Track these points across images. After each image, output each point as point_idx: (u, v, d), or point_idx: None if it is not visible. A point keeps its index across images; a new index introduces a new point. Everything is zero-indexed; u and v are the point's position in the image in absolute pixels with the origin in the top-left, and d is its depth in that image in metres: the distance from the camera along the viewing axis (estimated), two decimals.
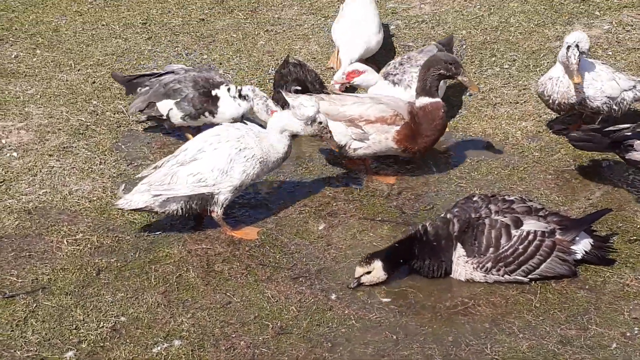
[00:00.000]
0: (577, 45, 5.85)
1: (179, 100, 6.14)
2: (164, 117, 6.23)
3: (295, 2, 8.59)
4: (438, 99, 5.76)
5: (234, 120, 6.07)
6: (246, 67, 7.43)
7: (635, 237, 5.26)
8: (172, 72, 6.37)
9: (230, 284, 5.02)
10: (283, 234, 5.44)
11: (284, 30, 8.04)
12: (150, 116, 6.32)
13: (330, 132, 5.42)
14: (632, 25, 7.87)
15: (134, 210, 5.31)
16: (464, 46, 7.66)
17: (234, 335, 4.64)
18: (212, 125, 5.97)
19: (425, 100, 5.72)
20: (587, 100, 6.04)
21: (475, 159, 6.12)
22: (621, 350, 4.46)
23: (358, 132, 5.70)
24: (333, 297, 4.90)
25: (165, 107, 6.17)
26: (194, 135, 5.80)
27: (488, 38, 7.78)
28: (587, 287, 4.88)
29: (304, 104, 5.29)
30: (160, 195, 5.20)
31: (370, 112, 5.72)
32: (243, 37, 7.96)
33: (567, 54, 5.89)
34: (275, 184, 5.92)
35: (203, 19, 8.27)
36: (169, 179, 5.20)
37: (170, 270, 5.12)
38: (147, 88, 6.30)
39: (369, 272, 4.92)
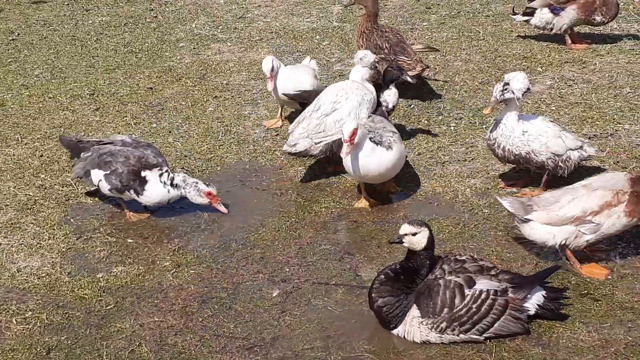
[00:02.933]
0: (507, 83, 6.03)
1: (108, 172, 6.14)
2: (96, 186, 6.24)
3: (243, 68, 8.67)
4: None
5: (159, 204, 6.22)
6: (195, 134, 7.44)
7: (586, 291, 5.30)
8: (112, 142, 6.38)
9: (184, 357, 4.93)
10: (237, 303, 5.38)
11: (232, 96, 8.09)
12: (87, 184, 6.37)
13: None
14: (574, 80, 8.07)
15: (296, 153, 6.50)
16: (412, 106, 7.77)
17: None
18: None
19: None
20: (532, 154, 6.14)
21: (427, 218, 6.15)
22: None
23: (590, 227, 5.37)
24: None
25: (96, 177, 6.19)
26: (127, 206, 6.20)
27: (434, 97, 7.90)
28: (541, 343, 4.89)
29: (367, 55, 6.81)
30: (321, 142, 6.45)
31: (592, 203, 5.38)
32: (192, 104, 7.99)
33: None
34: (228, 251, 5.88)
35: (151, 88, 8.29)
36: (322, 127, 6.43)
37: (122, 345, 5.02)
38: (88, 154, 6.32)
39: (414, 234, 4.92)
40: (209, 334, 5.11)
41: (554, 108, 7.60)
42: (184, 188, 6.18)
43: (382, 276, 5.03)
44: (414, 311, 4.93)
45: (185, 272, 5.67)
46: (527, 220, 5.42)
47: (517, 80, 6.05)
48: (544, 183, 6.30)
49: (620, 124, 7.28)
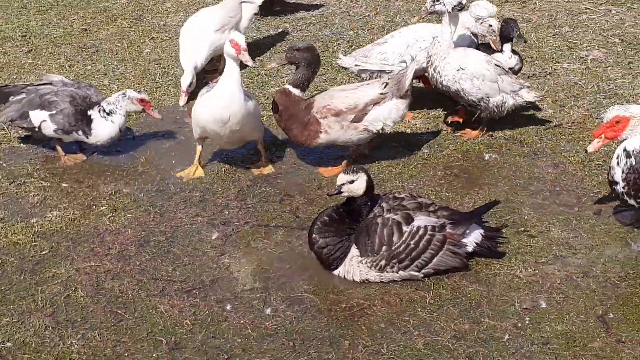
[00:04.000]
0: None
1: (54, 112, 5.96)
2: (35, 129, 6.04)
3: (181, 8, 8.47)
4: None
5: (112, 140, 6.10)
6: (132, 77, 7.27)
7: (523, 229, 5.36)
8: (50, 83, 6.20)
9: (121, 301, 4.87)
10: (175, 246, 5.32)
11: (170, 37, 7.91)
12: (20, 127, 6.15)
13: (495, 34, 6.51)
14: (514, 20, 8.04)
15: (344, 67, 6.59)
16: (353, 46, 7.68)
17: (126, 354, 4.51)
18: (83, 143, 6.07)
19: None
20: (462, 92, 6.05)
21: (367, 160, 6.13)
22: (513, 342, 4.53)
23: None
24: (228, 307, 4.81)
25: (38, 118, 6.00)
26: (63, 150, 6.11)
27: (375, 38, 7.81)
28: (478, 280, 4.94)
29: (480, 4, 6.38)
30: (359, 67, 6.45)
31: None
32: (128, 45, 7.79)
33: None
34: (166, 194, 5.79)
35: (86, 29, 8.06)
36: (367, 53, 6.48)
37: (58, 290, 4.94)
38: (22, 96, 6.12)
39: (351, 182, 4.89)
40: (146, 278, 5.05)
41: (494, 48, 7.57)
42: (117, 109, 6.01)
43: (325, 217, 5.01)
44: (354, 251, 4.93)
45: (122, 216, 5.57)
46: None
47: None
48: (484, 124, 6.29)
49: (558, 62, 7.31)
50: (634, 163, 4.94)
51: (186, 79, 6.84)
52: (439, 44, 6.01)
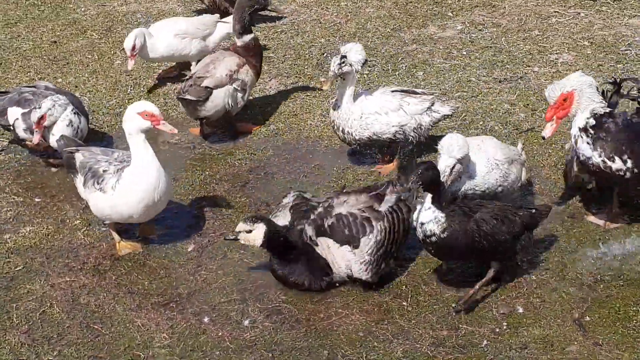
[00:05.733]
0: (344, 55, 5.69)
1: (27, 111, 5.90)
2: (10, 127, 6.00)
3: (151, 19, 8.42)
4: (253, 34, 6.52)
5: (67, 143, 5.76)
6: (103, 89, 7.22)
7: None
8: (34, 86, 6.21)
9: (98, 316, 4.84)
10: (151, 259, 5.29)
11: None
12: (3, 124, 6.13)
13: None
14: (484, 24, 8.11)
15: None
16: (325, 54, 7.69)
17: None
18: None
19: (247, 37, 6.45)
20: (375, 135, 5.84)
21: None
22: (492, 347, 4.55)
23: (239, 83, 6.38)
24: (206, 320, 4.79)
25: (13, 115, 5.97)
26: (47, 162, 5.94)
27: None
28: (455, 286, 4.95)
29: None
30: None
31: (231, 64, 6.38)
32: (99, 57, 7.73)
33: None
34: None
35: (55, 42, 7.99)
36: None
37: (33, 307, 4.89)
38: (8, 95, 6.15)
39: (249, 231, 4.81)
40: (122, 292, 5.02)
41: (464, 53, 7.63)
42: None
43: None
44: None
45: (97, 230, 5.53)
46: (207, 96, 6.24)
47: (355, 52, 5.71)
48: (398, 153, 6.11)
49: (529, 66, 7.36)
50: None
51: (129, 41, 6.80)
52: (342, 109, 5.81)
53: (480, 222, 4.73)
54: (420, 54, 7.64)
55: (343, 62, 5.68)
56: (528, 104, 6.79)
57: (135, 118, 4.94)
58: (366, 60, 5.86)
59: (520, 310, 4.77)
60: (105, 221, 5.27)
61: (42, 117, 5.76)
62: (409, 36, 7.94)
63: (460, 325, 4.68)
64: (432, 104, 5.99)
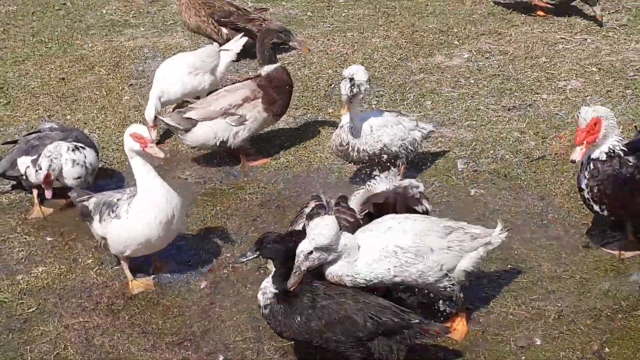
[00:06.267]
0: (351, 78, 5.78)
1: (35, 157, 5.89)
2: (23, 176, 5.98)
3: (159, 53, 8.46)
4: (278, 64, 6.46)
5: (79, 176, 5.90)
6: (112, 125, 7.23)
7: (513, 265, 5.34)
8: (39, 131, 6.19)
9: (112, 357, 4.80)
10: (165, 297, 5.26)
11: (148, 83, 7.85)
12: (11, 177, 6.11)
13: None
14: (491, 52, 8.12)
15: None
16: (332, 85, 7.70)
17: None
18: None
19: (268, 68, 6.40)
20: (386, 147, 5.97)
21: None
22: None
23: (235, 118, 6.37)
24: (221, 359, 4.75)
25: (24, 163, 5.95)
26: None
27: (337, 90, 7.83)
28: (472, 319, 4.91)
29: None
30: None
31: (236, 98, 6.40)
32: (107, 93, 7.76)
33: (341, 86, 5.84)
34: None
35: (63, 78, 8.02)
36: None
37: (47, 349, 4.86)
38: (16, 147, 6.12)
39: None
40: (136, 332, 4.98)
41: (472, 81, 7.64)
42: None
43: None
44: None
45: (109, 269, 5.50)
46: (190, 127, 6.35)
47: (361, 73, 5.81)
48: (401, 174, 6.19)
49: (537, 94, 7.36)
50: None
51: (150, 112, 6.81)
52: (351, 128, 5.90)
53: (310, 315, 4.31)
54: (427, 83, 7.64)
55: (353, 84, 5.76)
56: (538, 132, 6.78)
57: (127, 140, 5.05)
58: (370, 79, 5.99)
59: (539, 343, 4.73)
60: (124, 253, 5.23)
61: (47, 176, 5.76)
62: (416, 65, 7.96)
63: (478, 359, 4.63)
64: (417, 123, 6.23)
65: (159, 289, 5.33)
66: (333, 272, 4.47)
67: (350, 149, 5.98)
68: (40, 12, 9.49)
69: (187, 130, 6.41)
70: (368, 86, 5.89)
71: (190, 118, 6.39)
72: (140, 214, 5.05)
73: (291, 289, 4.35)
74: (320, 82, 7.79)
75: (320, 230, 4.35)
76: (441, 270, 4.54)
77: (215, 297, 5.25)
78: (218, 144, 6.46)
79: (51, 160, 5.78)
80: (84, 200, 5.29)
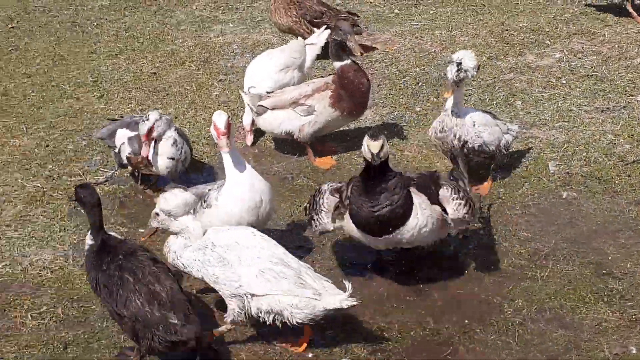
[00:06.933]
0: (459, 62, 5.73)
1: (132, 136, 6.03)
2: (116, 150, 6.14)
3: (247, 50, 8.54)
4: (345, 61, 6.37)
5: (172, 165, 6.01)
6: (202, 120, 7.33)
7: (607, 270, 5.24)
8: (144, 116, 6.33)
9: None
10: None
11: (237, 79, 7.95)
12: (109, 146, 6.31)
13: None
14: (583, 52, 7.96)
15: None
16: (420, 84, 7.66)
17: None
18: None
19: (337, 64, 6.39)
20: (484, 146, 5.90)
21: None
22: None
23: (304, 108, 6.40)
24: (310, 355, 4.79)
25: (121, 137, 6.10)
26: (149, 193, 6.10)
27: (442, 74, 7.77)
28: (564, 325, 4.84)
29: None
30: None
31: (307, 88, 6.48)
32: (197, 88, 7.87)
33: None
34: None
35: (155, 73, 8.17)
36: None
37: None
38: (119, 121, 6.33)
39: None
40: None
41: (564, 82, 7.50)
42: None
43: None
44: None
45: None
46: (261, 112, 6.52)
47: (469, 58, 5.75)
48: (492, 174, 6.16)
49: (632, 95, 7.19)
50: None
51: (247, 118, 6.89)
52: (455, 113, 5.87)
53: (98, 276, 4.65)
54: (517, 83, 7.54)
55: (459, 69, 5.72)
56: (633, 135, 6.62)
57: (212, 127, 5.19)
58: (479, 66, 5.90)
59: (634, 351, 4.63)
60: None
61: (150, 129, 5.86)
62: (505, 65, 7.86)
63: None
64: (505, 123, 6.17)
65: None
66: (168, 242, 4.85)
67: (452, 135, 5.91)
68: (133, 8, 9.68)
69: (259, 114, 6.58)
70: (475, 73, 5.81)
71: (262, 105, 6.53)
72: (229, 200, 5.16)
73: (142, 239, 5.07)
74: (408, 80, 7.76)
75: (168, 196, 4.80)
76: (239, 287, 4.60)
77: None
78: (283, 133, 6.57)
79: (160, 118, 5.89)
80: None
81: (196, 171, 6.58)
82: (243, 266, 4.61)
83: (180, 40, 8.83)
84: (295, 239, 5.79)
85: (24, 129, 7.22)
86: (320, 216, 5.15)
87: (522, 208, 5.93)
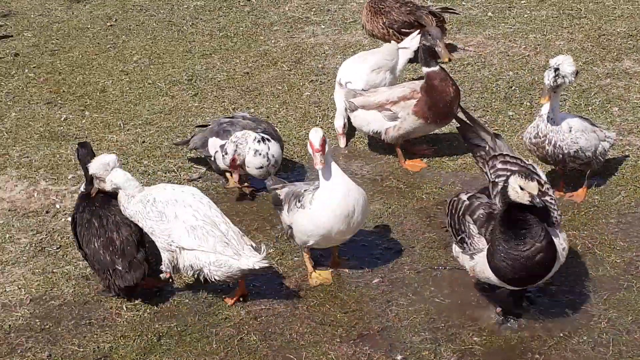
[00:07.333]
0: (557, 68, 5.61)
1: (224, 142, 6.15)
2: (211, 158, 6.29)
3: (338, 51, 8.59)
4: (433, 68, 6.32)
5: (261, 168, 6.10)
6: (293, 120, 7.41)
7: None
8: (232, 117, 6.47)
9: (292, 345, 4.93)
10: (342, 291, 5.35)
11: (328, 80, 8.01)
12: (203, 155, 6.49)
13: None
14: None
15: None
16: (513, 88, 7.57)
17: None
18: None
19: (424, 70, 6.39)
20: (580, 152, 5.77)
21: None
22: None
23: (389, 114, 6.45)
24: (399, 358, 4.78)
25: (213, 146, 6.25)
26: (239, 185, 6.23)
27: (536, 78, 7.68)
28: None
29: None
30: None
31: (394, 94, 6.48)
32: (288, 88, 7.95)
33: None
34: None
35: (247, 73, 8.29)
36: None
37: (231, 333, 5.04)
38: (207, 129, 6.48)
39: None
40: (315, 323, 5.09)
41: None
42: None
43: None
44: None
45: (290, 260, 5.65)
46: (352, 109, 6.62)
47: (567, 64, 5.62)
48: (587, 182, 6.03)
49: None
50: None
51: (339, 120, 6.93)
52: (551, 120, 5.75)
53: (81, 219, 5.42)
54: (614, 89, 7.38)
55: (557, 75, 5.63)
56: None
57: (308, 143, 5.22)
58: (577, 72, 5.79)
59: None
60: (307, 243, 5.36)
61: (233, 160, 6.02)
62: (602, 70, 7.70)
63: None
64: (602, 130, 6.01)
65: (337, 282, 5.43)
66: (119, 196, 5.38)
67: (547, 141, 5.81)
68: (226, 8, 9.84)
69: (351, 110, 6.69)
70: (573, 78, 5.70)
71: (353, 102, 6.62)
72: (322, 206, 5.17)
73: (92, 195, 5.43)
74: (500, 84, 7.68)
75: (96, 158, 5.47)
76: (172, 241, 5.09)
77: (391, 294, 5.28)
78: (372, 133, 6.66)
79: (237, 146, 6.02)
80: (277, 189, 5.48)
81: (287, 170, 6.65)
82: (177, 222, 5.10)
83: (273, 41, 8.94)
84: (383, 240, 5.79)
85: (121, 124, 7.43)
86: (473, 241, 4.79)
87: (618, 216, 5.79)
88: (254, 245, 5.09)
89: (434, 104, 6.37)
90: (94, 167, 5.44)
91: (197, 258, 5.04)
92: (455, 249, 5.00)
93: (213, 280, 5.05)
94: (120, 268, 5.11)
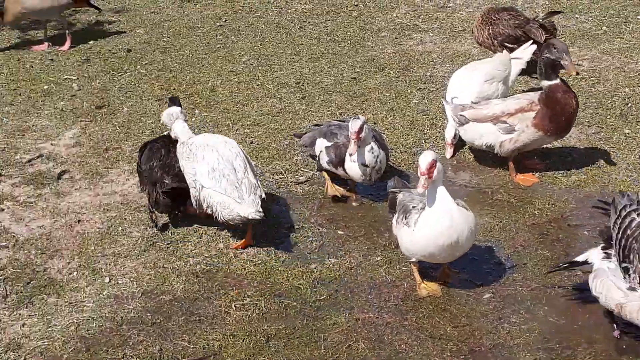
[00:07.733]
0: None
1: (330, 145, 6.14)
2: (317, 157, 6.33)
3: (447, 59, 8.49)
4: (555, 81, 6.17)
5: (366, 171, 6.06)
6: (400, 127, 7.35)
7: None
8: (343, 121, 6.44)
9: (401, 356, 4.87)
10: (452, 304, 5.26)
11: (437, 89, 7.94)
12: (310, 155, 6.57)
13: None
14: None
15: None
16: (629, 105, 7.35)
17: None
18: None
19: (544, 83, 6.23)
20: None
21: None
22: None
23: (504, 126, 6.35)
24: None
25: (319, 146, 6.28)
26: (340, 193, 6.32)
27: None
28: None
29: None
30: None
31: (511, 106, 6.36)
32: (396, 95, 7.90)
33: None
34: None
35: (355, 78, 8.27)
36: None
37: (339, 339, 5.01)
38: (317, 129, 6.51)
39: None
40: (424, 335, 5.02)
41: None
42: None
43: None
44: None
45: (398, 269, 5.59)
46: (462, 123, 6.53)
47: None
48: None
49: None
50: None
51: (450, 131, 6.84)
52: None
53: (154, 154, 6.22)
54: None
55: None
56: None
57: None
58: None
59: None
60: (411, 258, 5.31)
61: (360, 127, 5.87)
62: None
63: None
64: None
65: (446, 295, 5.34)
66: None
67: None
68: (334, 12, 9.86)
69: (460, 124, 6.56)
70: None
71: (463, 115, 6.50)
72: (425, 231, 5.08)
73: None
74: (616, 101, 7.47)
75: (166, 110, 6.29)
76: (195, 179, 5.74)
77: (503, 311, 5.17)
78: (484, 146, 6.50)
79: (366, 123, 5.93)
80: (395, 192, 5.43)
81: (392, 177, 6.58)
82: (202, 163, 5.73)
83: (380, 47, 8.90)
84: (494, 255, 5.68)
85: (230, 124, 7.50)
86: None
87: None
88: (264, 199, 5.67)
89: (555, 117, 6.23)
90: (163, 116, 6.26)
91: (210, 197, 5.65)
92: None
93: (221, 219, 5.66)
94: (167, 182, 5.86)
